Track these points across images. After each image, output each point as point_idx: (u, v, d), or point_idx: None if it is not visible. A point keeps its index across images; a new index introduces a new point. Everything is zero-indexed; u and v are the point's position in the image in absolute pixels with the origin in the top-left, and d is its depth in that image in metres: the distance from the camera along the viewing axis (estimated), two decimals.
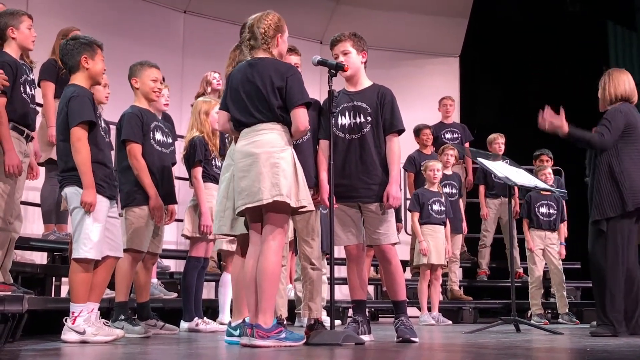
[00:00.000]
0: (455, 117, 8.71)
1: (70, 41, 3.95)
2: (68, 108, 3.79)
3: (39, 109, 5.00)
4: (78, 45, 3.92)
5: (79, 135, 3.76)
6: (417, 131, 7.95)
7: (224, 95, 3.73)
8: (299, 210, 3.56)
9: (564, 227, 7.16)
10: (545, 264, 7.10)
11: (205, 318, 5.19)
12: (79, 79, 3.93)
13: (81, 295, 3.74)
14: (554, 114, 4.67)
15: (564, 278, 7.09)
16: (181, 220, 5.22)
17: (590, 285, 5.10)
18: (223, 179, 3.85)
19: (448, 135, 8.35)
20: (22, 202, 4.70)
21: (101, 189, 3.81)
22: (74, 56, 3.91)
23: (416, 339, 3.88)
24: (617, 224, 4.59)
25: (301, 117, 3.53)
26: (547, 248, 7.01)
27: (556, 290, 7.09)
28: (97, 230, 3.77)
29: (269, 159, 3.46)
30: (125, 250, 4.34)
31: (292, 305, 5.72)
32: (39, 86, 5.28)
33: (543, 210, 7.03)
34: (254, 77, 3.56)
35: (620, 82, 4.78)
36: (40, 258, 6.14)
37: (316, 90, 8.52)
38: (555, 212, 7.04)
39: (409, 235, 7.69)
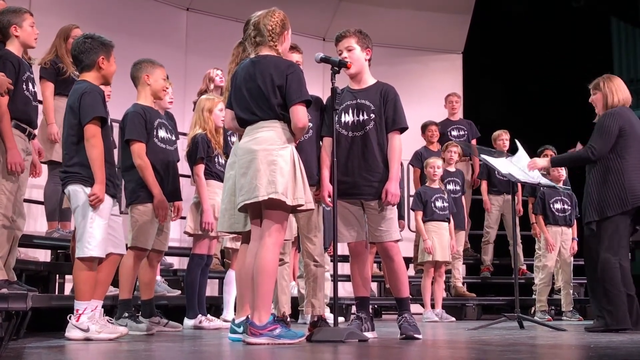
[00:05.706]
0: (458, 113, 8.69)
1: (88, 39, 3.93)
2: (80, 103, 3.79)
3: (40, 106, 5.00)
4: (97, 45, 3.92)
5: (94, 131, 3.77)
6: (423, 127, 7.96)
7: (230, 93, 3.74)
8: (297, 208, 3.56)
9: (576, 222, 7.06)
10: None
11: (208, 315, 5.20)
12: (90, 77, 3.93)
13: (85, 292, 3.75)
14: (537, 162, 5.21)
15: (572, 276, 7.08)
16: (184, 218, 5.22)
17: None
18: (228, 177, 3.85)
19: (454, 133, 8.30)
20: (26, 200, 4.71)
21: (106, 187, 3.82)
22: (91, 55, 3.91)
23: (419, 336, 3.88)
24: (612, 223, 4.61)
25: (299, 114, 3.51)
26: (562, 244, 6.96)
27: (562, 288, 7.07)
28: (101, 228, 3.77)
29: (267, 157, 3.45)
30: (129, 248, 4.34)
31: (295, 302, 5.72)
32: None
33: (558, 206, 6.96)
34: (256, 75, 3.56)
35: (620, 88, 4.88)
36: (44, 256, 6.15)
37: (319, 88, 8.52)
38: (570, 207, 6.96)
39: (413, 232, 7.68)
